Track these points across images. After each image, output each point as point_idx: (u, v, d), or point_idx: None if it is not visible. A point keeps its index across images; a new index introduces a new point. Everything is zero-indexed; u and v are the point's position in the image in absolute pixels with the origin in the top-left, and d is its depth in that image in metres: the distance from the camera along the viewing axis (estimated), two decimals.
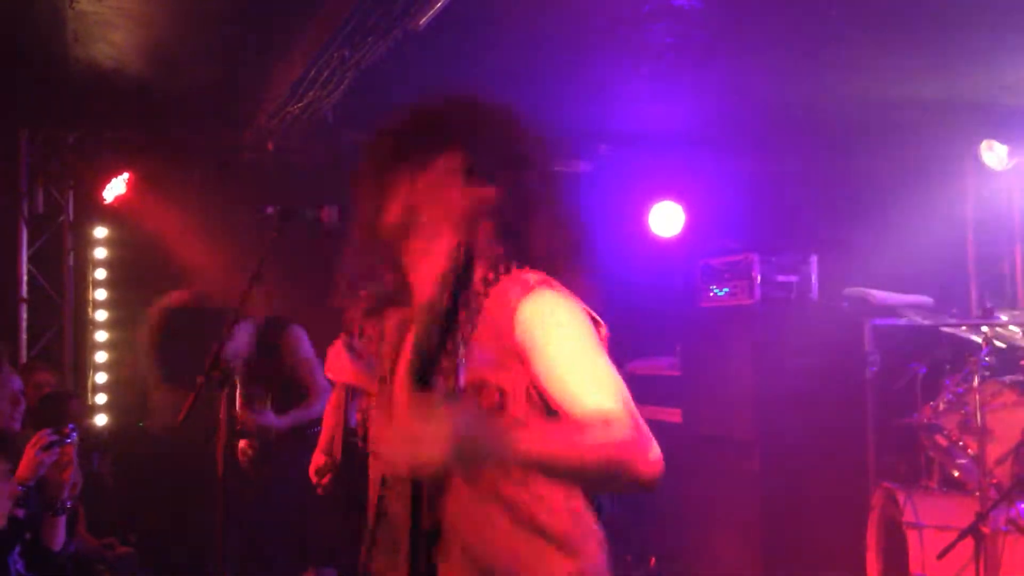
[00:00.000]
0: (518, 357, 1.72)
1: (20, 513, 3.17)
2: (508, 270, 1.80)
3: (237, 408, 4.92)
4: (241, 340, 4.60)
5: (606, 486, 1.67)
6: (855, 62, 5.22)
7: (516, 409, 1.72)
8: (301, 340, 4.79)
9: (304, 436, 4.95)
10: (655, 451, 1.61)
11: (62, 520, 3.34)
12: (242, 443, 4.99)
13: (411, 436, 1.44)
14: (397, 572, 1.72)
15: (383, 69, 4.70)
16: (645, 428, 1.63)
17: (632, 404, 1.66)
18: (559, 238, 1.87)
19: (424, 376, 1.45)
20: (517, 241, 1.84)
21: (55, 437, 3.25)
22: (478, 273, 1.78)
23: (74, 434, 3.32)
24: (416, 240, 1.82)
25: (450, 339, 1.48)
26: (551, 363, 1.69)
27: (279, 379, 4.66)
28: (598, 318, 1.81)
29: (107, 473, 6.12)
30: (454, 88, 1.95)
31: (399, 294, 1.92)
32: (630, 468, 1.59)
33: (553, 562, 1.74)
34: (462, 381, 1.59)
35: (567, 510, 1.77)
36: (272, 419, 4.76)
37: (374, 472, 1.92)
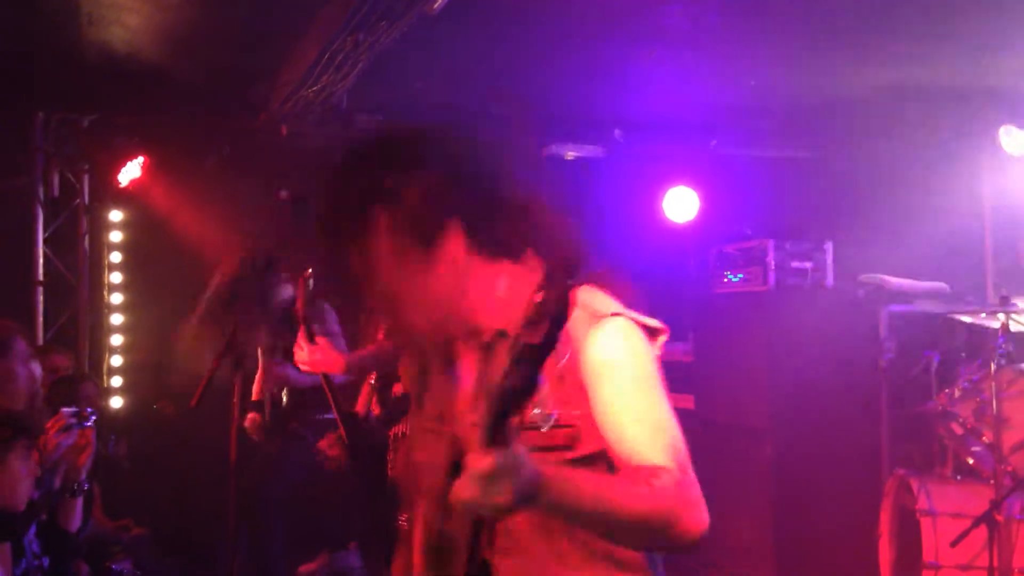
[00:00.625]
0: (585, 392, 1.68)
1: (35, 495, 3.19)
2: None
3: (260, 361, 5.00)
4: (287, 291, 4.79)
5: (648, 542, 1.62)
6: (871, 47, 5.18)
7: (588, 445, 1.69)
8: (329, 313, 4.92)
9: (312, 421, 4.99)
10: (701, 511, 1.58)
11: (79, 502, 3.37)
12: (250, 415, 5.03)
13: (479, 478, 1.40)
14: None
15: (397, 53, 4.69)
16: (695, 487, 1.59)
17: (685, 458, 1.62)
18: (578, 243, 1.77)
19: (500, 424, 1.39)
20: (531, 255, 1.73)
21: (73, 420, 3.27)
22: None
23: (93, 417, 3.34)
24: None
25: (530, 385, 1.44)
26: (609, 406, 1.65)
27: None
28: (658, 325, 1.78)
29: (123, 456, 6.17)
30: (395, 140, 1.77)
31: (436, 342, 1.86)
32: (676, 528, 1.56)
33: None
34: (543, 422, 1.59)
35: None
36: (291, 372, 4.84)
37: (409, 490, 1.90)
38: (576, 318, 1.67)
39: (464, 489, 1.43)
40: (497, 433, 1.39)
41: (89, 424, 3.29)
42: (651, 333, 1.77)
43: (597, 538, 1.69)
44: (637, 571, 1.74)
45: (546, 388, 1.60)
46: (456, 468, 1.67)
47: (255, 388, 5.16)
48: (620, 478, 1.60)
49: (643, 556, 1.75)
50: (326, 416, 4.88)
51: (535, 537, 1.71)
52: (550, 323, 1.34)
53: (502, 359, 1.42)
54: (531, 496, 1.45)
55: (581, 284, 1.72)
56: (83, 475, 3.33)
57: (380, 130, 1.81)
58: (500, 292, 1.73)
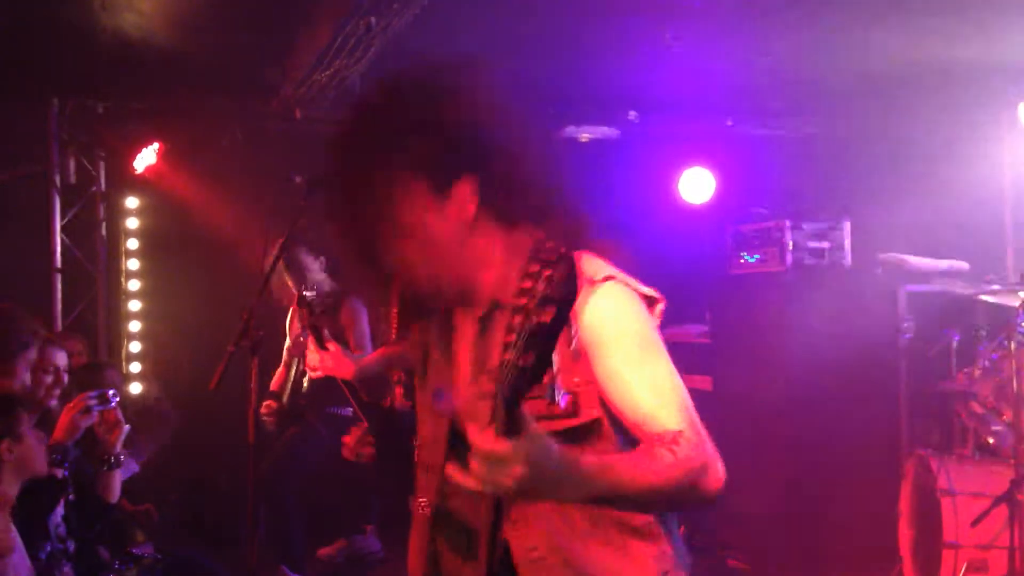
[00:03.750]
0: (583, 358, 1.68)
1: (59, 473, 3.24)
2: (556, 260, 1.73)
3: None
4: (319, 275, 4.89)
5: (676, 506, 1.70)
6: (890, 23, 5.12)
7: (588, 411, 1.70)
8: (361, 311, 5.02)
9: (325, 415, 5.01)
10: (719, 468, 1.62)
11: (117, 474, 3.47)
12: (265, 401, 5.06)
13: (494, 459, 1.39)
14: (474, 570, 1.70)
15: (410, 36, 4.67)
16: (710, 444, 1.63)
17: (695, 416, 1.64)
18: (567, 206, 1.79)
19: (513, 409, 1.38)
20: (528, 224, 1.75)
21: (94, 402, 3.35)
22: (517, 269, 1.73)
23: (115, 398, 3.41)
24: (423, 267, 1.75)
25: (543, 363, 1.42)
26: (615, 372, 1.66)
27: (328, 328, 4.73)
28: (654, 294, 1.77)
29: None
30: (392, 86, 1.81)
31: (426, 305, 1.88)
32: (700, 489, 1.60)
33: (635, 550, 1.75)
34: (560, 400, 1.59)
35: None
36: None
37: (422, 475, 1.92)
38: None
39: (476, 469, 1.42)
40: (510, 415, 1.38)
41: (112, 405, 3.37)
42: (649, 302, 1.76)
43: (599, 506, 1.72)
44: (647, 535, 1.76)
45: (558, 364, 1.59)
46: (453, 443, 1.73)
47: (275, 380, 5.20)
48: (641, 454, 1.61)
49: (654, 518, 1.77)
50: (339, 410, 4.92)
51: (544, 506, 1.73)
52: (560, 303, 1.34)
53: (499, 333, 1.43)
54: (546, 482, 1.43)
55: (579, 252, 1.71)
56: (118, 448, 3.42)
57: (417, 73, 1.79)
58: (496, 260, 1.74)
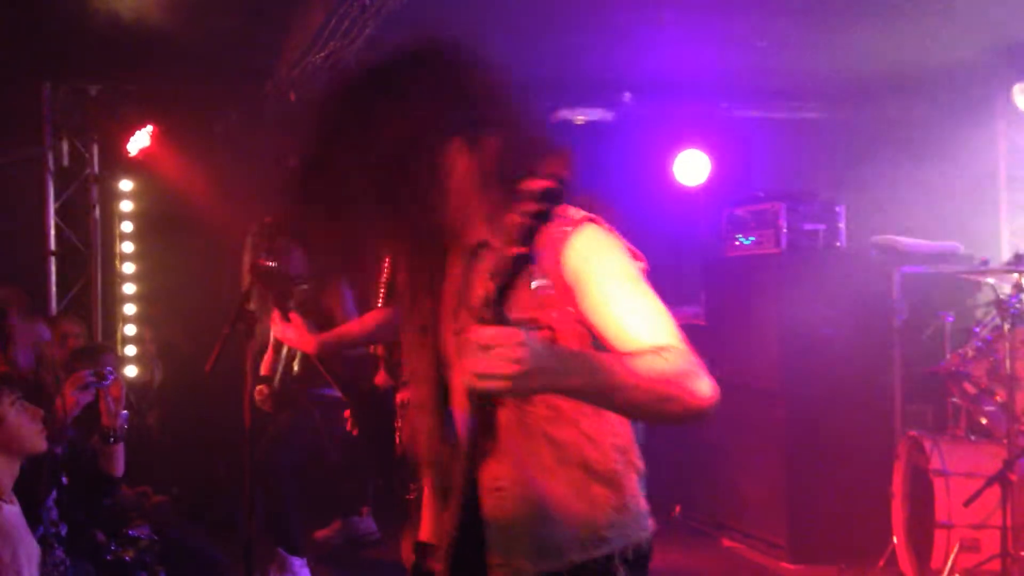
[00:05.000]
0: (566, 293, 1.72)
1: (59, 450, 3.25)
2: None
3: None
4: (296, 260, 4.86)
5: (660, 415, 1.66)
6: (884, 4, 5.11)
7: (567, 345, 1.74)
8: (345, 292, 5.01)
9: (318, 396, 5.02)
10: (709, 382, 1.65)
11: (120, 448, 3.47)
12: (258, 387, 5.07)
13: (493, 346, 1.42)
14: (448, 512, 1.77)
15: (404, 16, 4.65)
16: (699, 362, 1.66)
17: (684, 338, 1.69)
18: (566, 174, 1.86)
19: (499, 310, 1.44)
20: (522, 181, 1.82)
21: (92, 379, 3.36)
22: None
23: (111, 376, 3.42)
24: (444, 210, 1.79)
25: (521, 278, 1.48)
26: (603, 303, 1.70)
27: (314, 312, 4.72)
28: (638, 252, 1.81)
29: (153, 425, 6.23)
30: (414, 48, 1.94)
31: (424, 243, 1.92)
32: (686, 395, 1.61)
33: (596, 495, 1.79)
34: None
35: (613, 447, 1.82)
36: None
37: (413, 423, 1.95)
38: (551, 224, 1.68)
39: (475, 362, 1.43)
40: (498, 311, 1.43)
41: (107, 383, 3.38)
42: (635, 257, 1.80)
43: (571, 446, 1.77)
44: (611, 484, 1.81)
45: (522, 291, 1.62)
46: (441, 379, 1.80)
47: (264, 364, 5.19)
48: (636, 353, 1.64)
49: (620, 468, 1.82)
50: (331, 391, 4.93)
51: (515, 436, 1.78)
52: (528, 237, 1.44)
53: (484, 273, 1.49)
54: (540, 370, 1.45)
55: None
56: (119, 422, 3.42)
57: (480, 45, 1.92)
58: (489, 208, 1.77)
